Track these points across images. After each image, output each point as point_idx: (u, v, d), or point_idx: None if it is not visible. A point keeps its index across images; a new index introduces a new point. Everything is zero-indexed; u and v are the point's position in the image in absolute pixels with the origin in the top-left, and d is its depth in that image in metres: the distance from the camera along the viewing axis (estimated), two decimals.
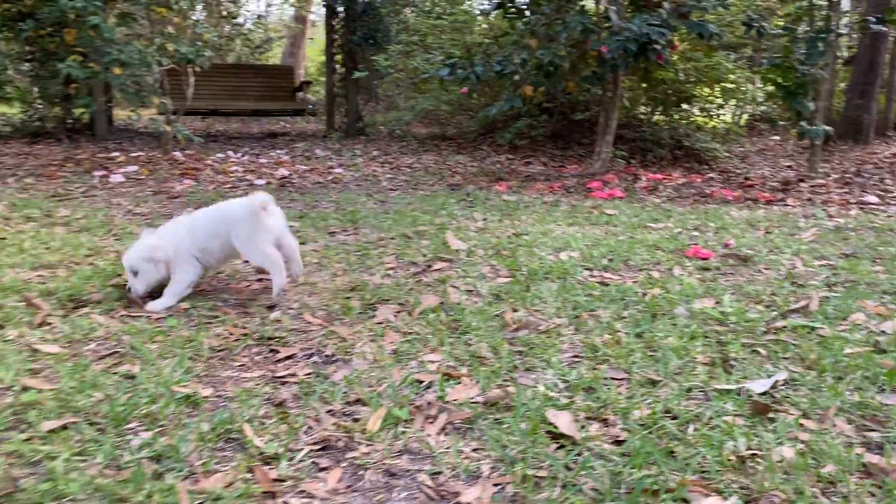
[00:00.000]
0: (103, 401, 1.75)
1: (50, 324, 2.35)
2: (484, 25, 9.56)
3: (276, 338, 2.30)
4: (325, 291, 2.80)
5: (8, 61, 14.92)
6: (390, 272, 3.12)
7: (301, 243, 3.69)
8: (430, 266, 3.21)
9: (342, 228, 4.14)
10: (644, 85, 7.79)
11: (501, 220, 4.32)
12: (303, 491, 1.43)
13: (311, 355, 2.18)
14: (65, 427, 1.61)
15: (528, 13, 6.02)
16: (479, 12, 9.69)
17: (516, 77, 5.90)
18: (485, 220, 4.35)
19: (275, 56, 18.42)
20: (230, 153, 8.17)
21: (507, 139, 8.22)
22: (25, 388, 1.81)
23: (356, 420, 1.72)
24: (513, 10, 6.38)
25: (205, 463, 1.49)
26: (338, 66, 10.36)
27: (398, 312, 2.56)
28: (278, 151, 8.61)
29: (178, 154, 7.21)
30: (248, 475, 1.46)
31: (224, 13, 11.21)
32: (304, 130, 11.55)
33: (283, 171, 6.69)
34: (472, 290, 2.82)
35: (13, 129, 9.14)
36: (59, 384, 1.84)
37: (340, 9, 9.87)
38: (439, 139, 9.52)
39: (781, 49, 6.31)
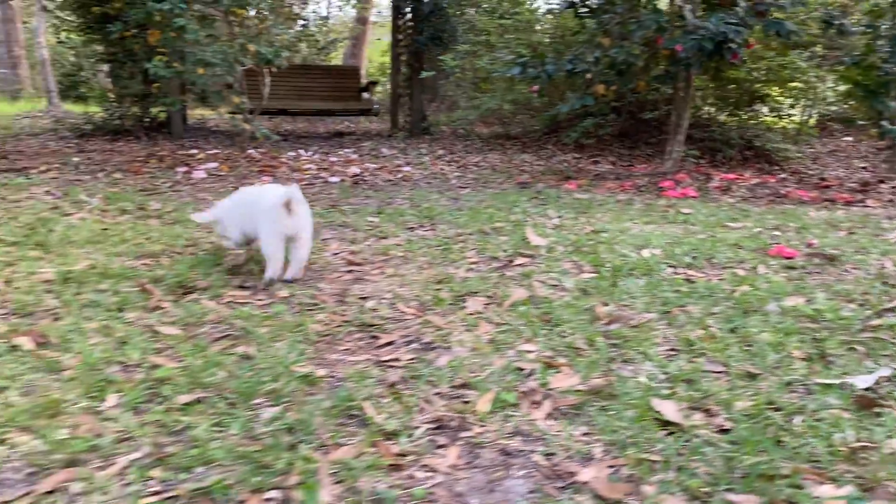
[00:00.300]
0: (228, 378, 1.86)
1: (163, 308, 2.49)
2: (546, 25, 9.57)
3: (375, 325, 2.40)
4: (415, 283, 2.89)
5: (86, 63, 15.52)
6: (473, 266, 3.20)
7: (382, 237, 3.81)
8: (511, 261, 3.27)
9: (419, 224, 4.23)
10: (714, 84, 7.69)
11: (577, 218, 4.35)
12: (425, 465, 1.51)
13: (410, 342, 2.26)
14: (198, 401, 1.73)
15: (601, 12, 6.01)
16: (543, 11, 9.69)
17: (588, 75, 5.89)
18: (560, 217, 4.38)
19: (336, 57, 18.72)
20: (301, 151, 8.38)
21: (573, 138, 8.19)
22: (155, 366, 1.94)
23: (466, 402, 1.79)
24: (584, 9, 6.39)
25: (332, 436, 1.58)
26: (402, 67, 10.51)
27: (487, 304, 2.63)
28: (346, 150, 8.78)
29: (253, 152, 7.43)
30: (372, 449, 1.55)
31: (291, 15, 11.48)
32: (368, 130, 11.74)
33: (354, 169, 6.83)
34: (556, 285, 2.87)
35: (94, 126, 9.52)
36: (184, 362, 1.96)
37: (407, 10, 10.00)
38: (503, 138, 9.56)
39: (860, 47, 6.17)
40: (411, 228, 4.10)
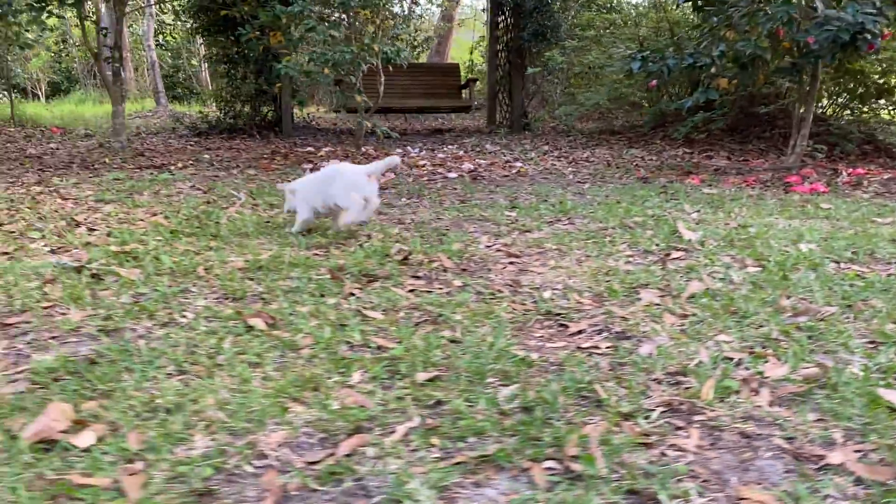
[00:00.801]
0: (449, 358, 1.98)
1: (355, 294, 2.64)
2: (650, 19, 9.47)
3: (560, 314, 2.48)
4: (582, 275, 2.96)
5: (187, 65, 16.16)
6: (630, 259, 3.24)
7: (526, 231, 3.90)
8: (668, 255, 3.30)
9: (556, 218, 4.30)
10: (839, 77, 7.46)
11: (715, 213, 4.34)
12: (673, 445, 1.58)
13: (600, 331, 2.33)
14: (437, 378, 1.85)
15: (723, 4, 5.93)
16: (648, 5, 9.58)
17: (713, 69, 5.83)
18: (697, 212, 4.37)
19: (420, 56, 18.96)
20: (409, 148, 8.56)
21: (682, 133, 8.12)
22: (379, 347, 2.07)
23: (687, 388, 1.85)
24: (704, 2, 6.32)
25: (576, 414, 1.67)
26: (499, 64, 10.59)
27: (662, 296, 2.67)
28: (450, 146, 8.92)
29: (368, 148, 7.66)
30: (616, 428, 1.63)
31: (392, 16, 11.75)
32: (465, 127, 11.87)
33: (467, 165, 6.95)
34: (725, 279, 2.88)
35: (209, 125, 9.98)
36: (403, 344, 2.09)
37: (507, 6, 10.06)
38: (606, 133, 9.53)
39: None
40: (550, 222, 4.17)
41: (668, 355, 2.06)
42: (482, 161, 7.37)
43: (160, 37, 20.78)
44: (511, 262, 3.22)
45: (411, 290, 2.73)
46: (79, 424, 1.52)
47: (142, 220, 4.03)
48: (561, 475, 1.40)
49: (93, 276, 2.76)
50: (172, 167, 6.29)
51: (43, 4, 6.32)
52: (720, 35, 5.94)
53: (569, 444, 1.48)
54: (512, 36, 10.29)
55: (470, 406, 1.69)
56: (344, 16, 6.62)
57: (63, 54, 20.28)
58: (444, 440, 1.53)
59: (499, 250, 3.45)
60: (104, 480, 1.33)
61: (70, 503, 1.28)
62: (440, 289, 2.77)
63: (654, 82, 6.30)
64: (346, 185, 3.52)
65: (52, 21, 7.74)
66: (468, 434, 1.55)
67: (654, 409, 1.73)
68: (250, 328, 2.18)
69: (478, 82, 11.11)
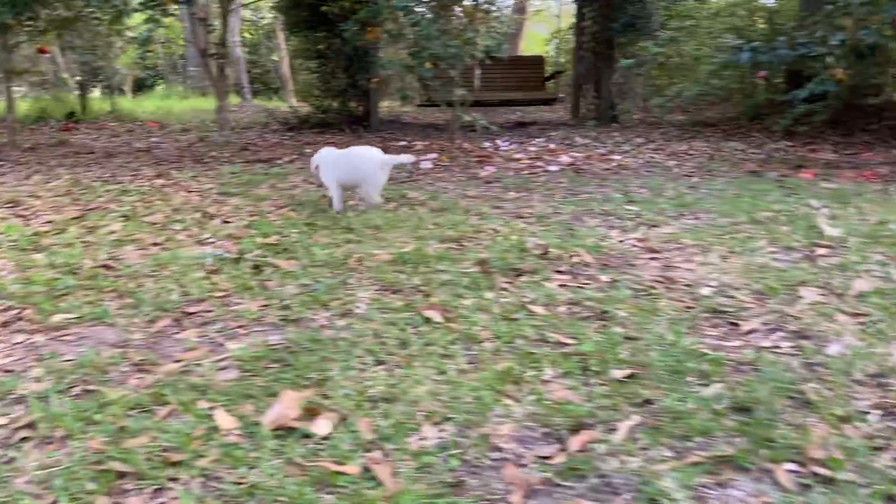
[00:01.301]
0: (636, 356, 1.96)
1: (506, 288, 2.64)
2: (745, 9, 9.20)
3: (725, 312, 2.43)
4: (732, 271, 2.89)
5: (270, 59, 16.46)
6: (775, 256, 3.16)
7: (653, 225, 3.83)
8: (813, 251, 3.20)
9: (678, 213, 4.21)
10: None
11: (845, 208, 4.18)
12: None
13: (773, 329, 2.28)
14: (633, 376, 1.84)
15: None
16: None
17: (828, 59, 5.62)
18: (826, 207, 4.23)
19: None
20: (498, 141, 8.53)
21: (783, 126, 7.84)
22: (559, 343, 2.07)
23: (893, 391, 1.79)
24: None
25: (790, 416, 1.63)
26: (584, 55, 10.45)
27: (825, 294, 2.59)
28: (538, 139, 8.85)
29: (464, 142, 7.67)
30: (836, 431, 1.58)
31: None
32: (548, 120, 11.77)
33: (565, 158, 6.88)
34: (885, 277, 2.78)
35: (298, 120, 10.16)
36: (581, 339, 2.08)
37: None
38: (700, 125, 9.30)
39: None
40: (674, 217, 4.10)
41: (863, 356, 2.00)
42: (577, 154, 7.29)
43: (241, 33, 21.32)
44: (652, 258, 3.17)
45: (561, 286, 2.72)
46: (308, 412, 1.57)
47: (270, 212, 4.13)
48: (808, 478, 1.37)
49: (254, 267, 2.84)
50: (279, 161, 6.43)
51: (158, 2, 6.54)
52: (836, 24, 5.71)
53: (811, 447, 1.44)
54: (600, 27, 10.13)
55: (680, 405, 1.67)
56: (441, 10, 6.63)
57: (148, 51, 20.97)
58: (672, 440, 1.51)
59: (634, 245, 3.40)
60: (354, 468, 1.36)
61: (330, 490, 1.31)
62: (588, 284, 2.75)
63: (764, 73, 6.10)
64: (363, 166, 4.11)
65: (168, 20, 7.99)
66: (693, 434, 1.53)
67: (868, 412, 1.68)
68: (427, 320, 2.20)
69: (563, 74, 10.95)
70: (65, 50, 11.33)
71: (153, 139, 8.76)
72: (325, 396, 1.65)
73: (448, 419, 1.55)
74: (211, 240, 3.41)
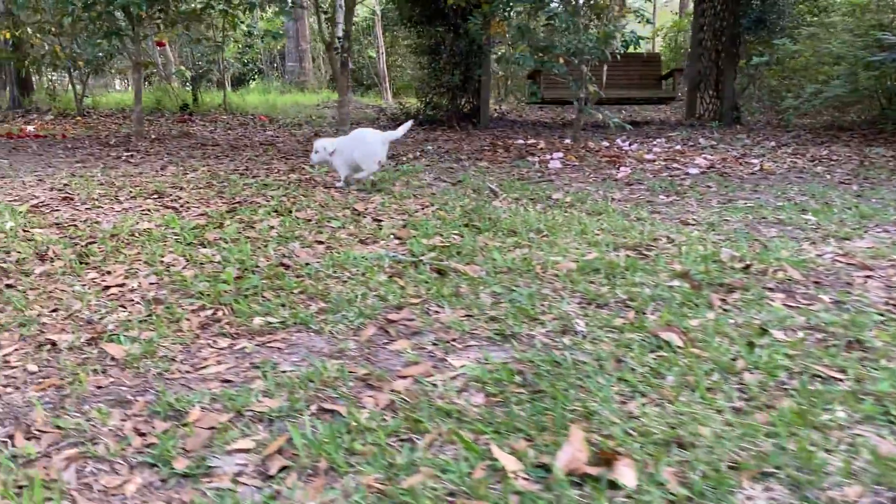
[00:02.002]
0: None
1: (726, 308, 2.36)
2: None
3: None
4: None
5: (368, 55, 16.48)
6: None
7: (844, 238, 3.48)
8: None
9: (861, 224, 3.83)
10: None
11: None
12: None
13: None
14: None
15: None
16: None
17: None
18: None
19: None
20: (618, 141, 8.19)
21: None
22: (832, 378, 1.79)
23: None
24: None
25: None
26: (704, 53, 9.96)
27: None
28: (658, 139, 8.46)
29: (587, 142, 7.38)
30: None
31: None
32: (664, 119, 11.32)
33: (701, 160, 6.50)
34: None
35: (406, 117, 10.07)
36: (859, 373, 1.80)
37: None
38: (834, 129, 8.71)
39: None
40: (858, 228, 3.72)
41: None
42: (711, 157, 6.89)
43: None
44: (867, 276, 2.83)
45: (787, 305, 2.42)
46: (599, 455, 1.35)
47: (417, 211, 3.96)
48: None
49: (438, 271, 2.65)
50: (403, 158, 6.30)
51: None
52: None
53: None
54: (724, 24, 9.64)
55: None
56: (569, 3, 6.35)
57: (249, 46, 21.41)
58: None
59: (836, 260, 3.06)
60: None
61: None
62: (812, 304, 2.45)
63: None
64: (368, 150, 4.47)
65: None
66: None
67: None
68: (665, 343, 1.96)
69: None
70: (174, 44, 11.60)
71: (268, 133, 8.81)
72: (606, 436, 1.42)
73: (768, 474, 1.30)
74: (376, 240, 3.26)
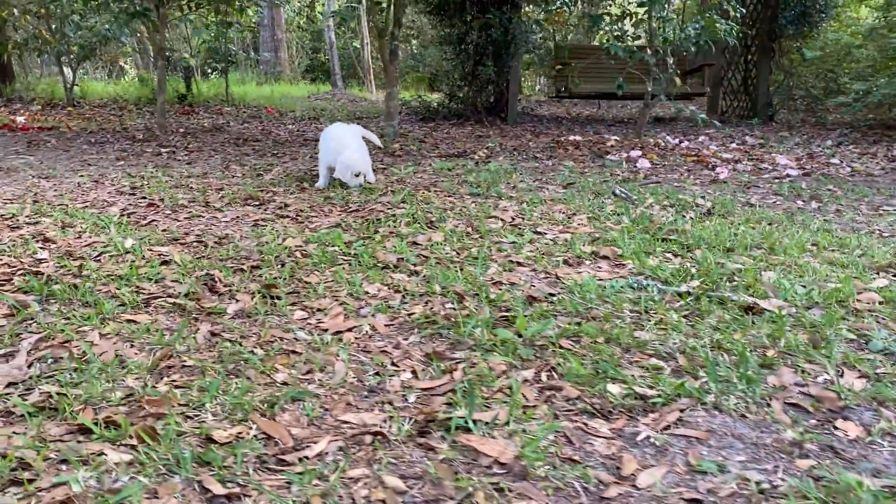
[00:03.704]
0: None
1: None
2: None
3: None
4: None
5: (353, 45, 15.86)
6: None
7: None
8: None
9: None
10: None
11: None
12: None
13: None
14: None
15: None
16: None
17: None
18: None
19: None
20: (668, 137, 7.79)
21: None
22: None
23: None
24: None
25: None
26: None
27: None
28: (701, 137, 8.10)
29: (668, 138, 6.95)
30: None
31: None
32: (685, 116, 11.00)
33: (783, 160, 6.14)
34: None
35: (427, 111, 9.50)
36: None
37: None
38: (881, 127, 8.50)
39: None
40: None
41: None
42: (782, 157, 6.53)
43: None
44: None
45: None
46: None
47: (572, 216, 3.45)
48: None
49: (720, 302, 2.14)
50: (475, 156, 5.75)
51: None
52: None
53: None
54: (759, 17, 9.35)
55: None
56: None
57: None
58: None
59: None
60: None
61: None
62: None
63: None
64: (334, 146, 4.07)
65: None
66: None
67: None
68: None
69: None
70: (173, 29, 10.73)
71: (290, 127, 8.12)
72: None
73: None
74: (579, 260, 2.73)
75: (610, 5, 11.50)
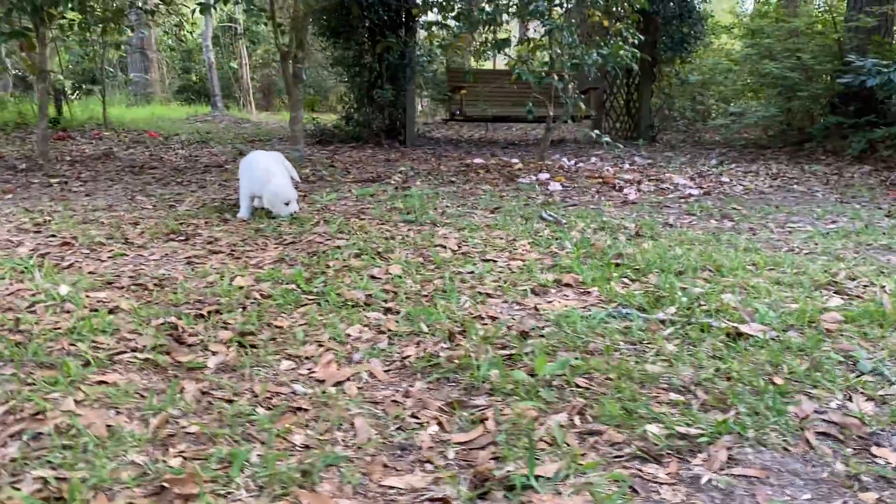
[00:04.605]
0: None
1: None
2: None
3: None
4: None
5: (229, 65, 15.36)
6: None
7: None
8: None
9: None
10: None
11: None
12: None
13: None
14: None
15: None
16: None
17: None
18: None
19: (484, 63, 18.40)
20: (564, 159, 8.03)
21: (857, 149, 7.75)
22: None
23: None
24: None
25: None
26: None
27: None
28: (592, 158, 8.41)
29: (563, 160, 7.12)
30: None
31: None
32: (573, 138, 11.39)
33: (681, 180, 6.46)
34: None
35: (323, 134, 9.32)
36: None
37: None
38: (755, 147, 9.15)
39: None
40: None
41: None
42: (679, 177, 6.88)
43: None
44: None
45: None
46: None
47: (515, 246, 3.44)
48: None
49: (703, 329, 2.19)
50: (390, 180, 5.66)
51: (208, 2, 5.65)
52: None
53: None
54: (642, 42, 9.84)
55: None
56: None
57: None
58: None
59: None
60: None
61: None
62: None
63: None
64: (259, 175, 3.89)
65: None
66: None
67: None
68: None
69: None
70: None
71: (182, 152, 7.70)
72: None
73: None
74: (545, 288, 2.71)
75: (495, 31, 11.77)
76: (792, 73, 7.54)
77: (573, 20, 5.96)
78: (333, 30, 8.71)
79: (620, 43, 5.70)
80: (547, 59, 6.80)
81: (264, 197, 3.82)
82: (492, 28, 6.76)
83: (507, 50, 6.42)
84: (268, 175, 3.84)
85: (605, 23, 5.83)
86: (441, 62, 11.80)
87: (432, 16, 8.55)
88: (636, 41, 6.09)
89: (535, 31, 14.12)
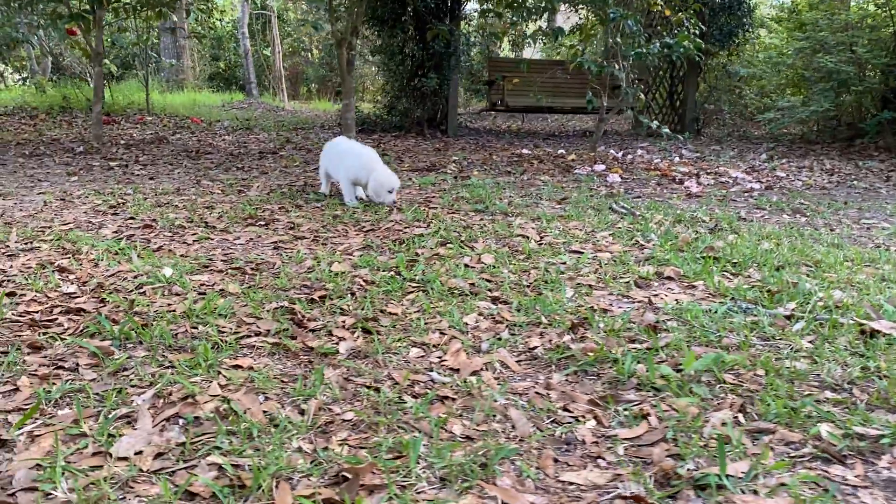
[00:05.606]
0: None
1: None
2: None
3: None
4: None
5: (263, 54, 15.34)
6: None
7: None
8: None
9: None
10: None
11: None
12: None
13: None
14: None
15: None
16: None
17: None
18: None
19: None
20: (611, 151, 7.93)
21: None
22: None
23: None
24: None
25: None
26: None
27: None
28: (639, 150, 8.30)
29: (612, 152, 7.03)
30: None
31: None
32: (612, 130, 11.27)
33: (738, 175, 6.34)
34: None
35: (365, 123, 9.27)
36: None
37: None
38: (804, 142, 8.99)
39: None
40: None
41: None
42: (736, 171, 6.76)
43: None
44: None
45: None
46: None
47: (596, 237, 3.37)
48: None
49: (834, 326, 2.10)
50: (446, 170, 5.60)
51: None
52: None
53: None
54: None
55: None
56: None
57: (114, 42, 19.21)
58: None
59: None
60: None
61: None
62: None
63: None
64: (362, 163, 3.88)
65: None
66: None
67: None
68: None
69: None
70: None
71: (228, 138, 7.68)
72: None
73: None
74: (648, 282, 2.64)
75: (549, 20, 11.67)
76: (847, 68, 7.37)
77: (635, 7, 5.83)
78: (379, 18, 8.64)
79: (685, 33, 5.58)
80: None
81: (369, 184, 3.79)
82: (541, 17, 6.68)
83: (560, 39, 6.31)
84: (373, 163, 3.80)
85: (668, 12, 5.72)
86: (479, 52, 11.69)
87: (476, 4, 8.48)
88: (697, 31, 5.96)
89: (563, 21, 13.98)
